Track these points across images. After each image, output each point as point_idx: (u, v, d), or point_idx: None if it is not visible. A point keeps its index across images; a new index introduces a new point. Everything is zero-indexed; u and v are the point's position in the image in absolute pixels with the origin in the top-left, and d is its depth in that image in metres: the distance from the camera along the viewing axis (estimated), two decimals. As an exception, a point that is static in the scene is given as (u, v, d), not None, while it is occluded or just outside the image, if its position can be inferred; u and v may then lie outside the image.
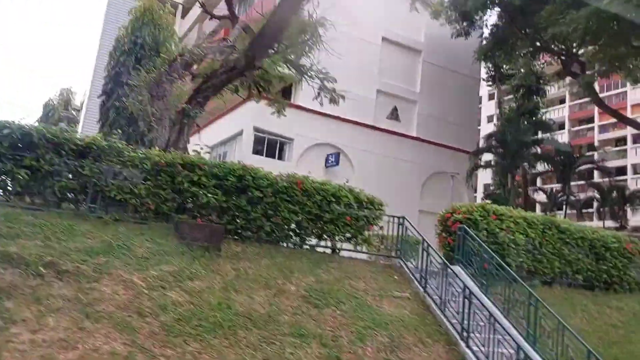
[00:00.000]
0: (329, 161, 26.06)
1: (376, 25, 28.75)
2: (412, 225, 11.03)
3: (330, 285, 9.13)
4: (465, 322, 8.91)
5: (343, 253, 11.25)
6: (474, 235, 11.23)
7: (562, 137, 69.57)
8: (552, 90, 63.09)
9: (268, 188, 9.92)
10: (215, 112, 29.51)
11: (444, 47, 30.39)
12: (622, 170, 61.83)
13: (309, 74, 13.84)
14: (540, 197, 41.89)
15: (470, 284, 10.99)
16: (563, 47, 27.62)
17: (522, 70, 37.45)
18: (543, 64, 36.02)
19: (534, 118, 39.66)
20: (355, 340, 7.97)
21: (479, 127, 38.34)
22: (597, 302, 12.65)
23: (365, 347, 7.93)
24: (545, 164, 29.17)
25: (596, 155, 36.58)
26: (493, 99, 46.99)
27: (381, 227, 11.23)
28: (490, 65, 43.50)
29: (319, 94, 14.56)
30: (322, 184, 10.57)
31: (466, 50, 29.48)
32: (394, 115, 29.34)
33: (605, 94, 65.12)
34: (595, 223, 36.34)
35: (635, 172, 60.27)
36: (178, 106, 11.71)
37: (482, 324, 9.57)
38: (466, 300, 8.95)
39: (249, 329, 7.34)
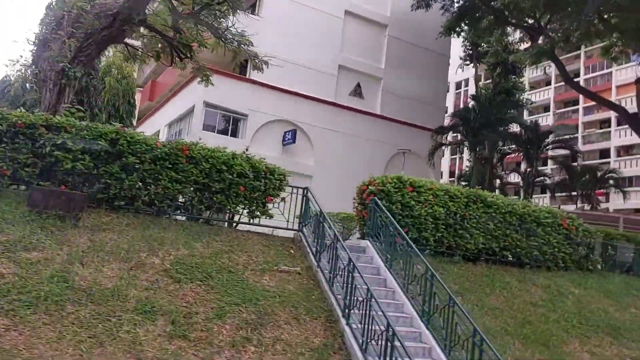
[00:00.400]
0: (286, 138, 25.24)
1: (339, -2, 27.73)
2: (314, 197, 10.24)
3: (204, 258, 8.39)
4: (349, 298, 8.15)
5: (247, 227, 10.52)
6: (383, 208, 10.48)
7: (547, 119, 68.95)
8: (539, 72, 62.46)
9: (146, 154, 9.11)
10: (175, 88, 28.69)
11: (411, 22, 29.43)
12: (606, 153, 61.34)
13: (225, 37, 12.86)
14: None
15: (377, 258, 10.34)
16: (532, 20, 26.72)
17: (497, 47, 36.65)
18: (518, 41, 34.94)
19: (511, 98, 39.01)
20: (213, 317, 7.25)
21: (447, 106, 37.51)
22: (523, 279, 11.97)
23: (223, 324, 7.21)
24: (510, 143, 28.35)
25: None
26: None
27: (283, 199, 10.45)
28: (467, 44, 42.72)
29: (234, 58, 13.59)
30: (212, 150, 9.76)
31: (434, 26, 28.55)
32: (357, 92, 28.45)
33: (591, 75, 64.39)
34: (572, 206, 35.68)
35: (618, 155, 59.60)
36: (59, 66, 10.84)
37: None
38: (350, 274, 8.19)
39: (83, 304, 6.60)
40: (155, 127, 30.27)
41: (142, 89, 39.18)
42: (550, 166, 48.78)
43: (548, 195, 45.25)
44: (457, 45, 40.67)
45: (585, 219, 20.21)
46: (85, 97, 18.70)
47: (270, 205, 10.40)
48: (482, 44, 41.16)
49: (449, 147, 29.04)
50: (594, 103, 56.81)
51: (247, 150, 10.44)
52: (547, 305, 10.99)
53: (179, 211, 9.67)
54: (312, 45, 26.52)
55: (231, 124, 24.95)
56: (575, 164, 35.99)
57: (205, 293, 7.67)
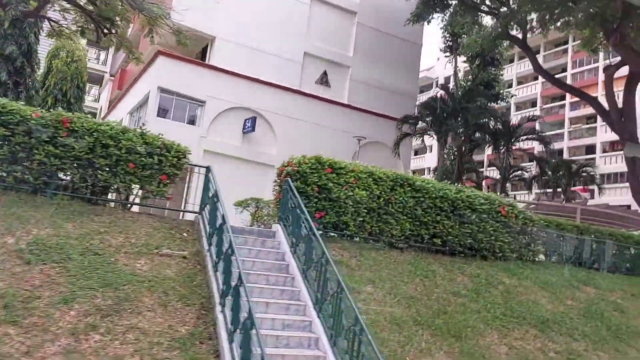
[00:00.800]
0: (246, 126, 24.42)
1: (305, -18, 26.90)
2: (214, 178, 9.48)
3: (69, 239, 7.65)
4: (225, 284, 7.41)
5: (147, 209, 9.79)
6: (294, 189, 9.74)
7: (534, 114, 68.21)
8: (526, 67, 61.72)
9: (19, 126, 8.34)
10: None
11: (381, 9, 28.69)
12: (592, 149, 60.83)
13: (142, 7, 12.08)
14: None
15: (284, 243, 9.63)
16: (504, 8, 25.95)
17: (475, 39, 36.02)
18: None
19: (490, 91, 38.27)
20: (58, 302, 6.52)
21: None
22: (451, 268, 11.26)
23: (69, 310, 6.48)
24: (479, 134, 27.57)
25: (538, 126, 34.93)
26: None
27: (181, 178, 9.70)
28: (447, 35, 41.97)
29: (150, 30, 12.83)
30: (98, 123, 9.00)
31: (406, 14, 27.77)
32: (324, 80, 27.63)
33: (578, 69, 63.72)
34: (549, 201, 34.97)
35: (604, 151, 58.99)
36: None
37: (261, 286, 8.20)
38: (229, 258, 7.45)
39: None
40: (119, 115, 29.57)
41: (113, 77, 38.50)
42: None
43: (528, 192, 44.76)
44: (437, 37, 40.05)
45: (543, 210, 19.64)
46: (21, 78, 17.97)
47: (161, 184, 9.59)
48: (463, 35, 40.74)
49: (439, 142, 28.24)
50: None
51: (143, 125, 9.66)
52: (470, 295, 10.28)
53: (60, 189, 8.86)
54: (277, 31, 25.73)
55: (188, 111, 24.13)
56: (554, 160, 35.24)
57: (57, 276, 6.93)
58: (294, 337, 7.47)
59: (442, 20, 29.88)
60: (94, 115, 42.40)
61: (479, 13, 27.54)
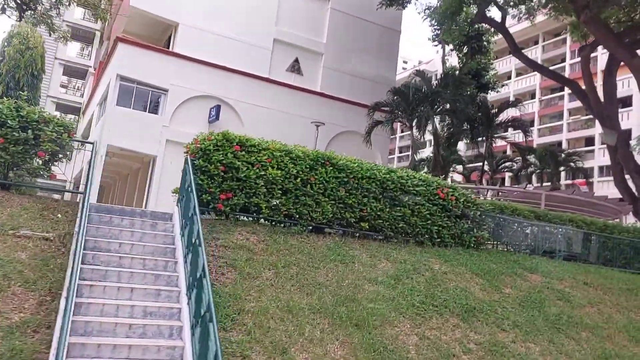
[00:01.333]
0: (211, 115, 23.66)
1: (274, -34, 26.03)
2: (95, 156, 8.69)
3: None
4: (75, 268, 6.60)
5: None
6: (189, 169, 8.92)
7: (533, 106, 67.20)
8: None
9: None
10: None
11: (356, -6, 27.73)
12: (591, 141, 59.61)
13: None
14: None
15: (177, 226, 8.81)
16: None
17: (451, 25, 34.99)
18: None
19: (479, 80, 37.26)
20: None
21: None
22: (375, 254, 10.37)
23: None
24: (456, 121, 26.47)
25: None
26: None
27: (63, 156, 8.90)
28: (434, 23, 40.97)
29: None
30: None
31: (382, -1, 26.84)
32: (295, 68, 26.77)
33: (577, 59, 62.18)
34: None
35: (602, 143, 57.53)
36: None
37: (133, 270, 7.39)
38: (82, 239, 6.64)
39: None
40: (92, 108, 29.01)
41: (94, 70, 37.98)
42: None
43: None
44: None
45: (508, 196, 18.67)
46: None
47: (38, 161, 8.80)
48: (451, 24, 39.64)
49: (410, 129, 27.21)
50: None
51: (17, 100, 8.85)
52: (387, 282, 9.40)
53: None
54: (244, 17, 24.93)
55: (150, 99, 23.37)
56: (541, 150, 34.12)
57: None
58: (151, 326, 6.66)
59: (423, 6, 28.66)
60: (77, 109, 42.02)
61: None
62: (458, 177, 44.12)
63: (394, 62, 30.24)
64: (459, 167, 35.93)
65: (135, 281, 7.38)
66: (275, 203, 9.93)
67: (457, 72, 39.44)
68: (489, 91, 38.39)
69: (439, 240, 11.61)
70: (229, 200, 9.65)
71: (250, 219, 10.20)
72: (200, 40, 24.06)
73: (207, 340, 5.73)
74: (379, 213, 10.92)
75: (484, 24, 33.14)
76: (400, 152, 79.91)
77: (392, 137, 68.83)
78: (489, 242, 12.84)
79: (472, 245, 12.01)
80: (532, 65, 27.52)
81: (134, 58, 22.82)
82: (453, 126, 29.91)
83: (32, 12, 12.77)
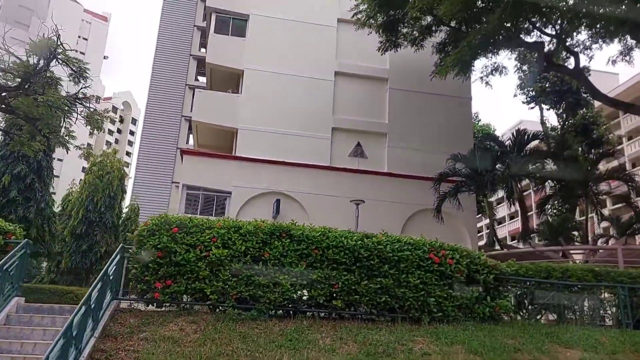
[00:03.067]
0: (273, 211, 23.71)
1: (327, 60, 26.77)
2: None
3: None
4: None
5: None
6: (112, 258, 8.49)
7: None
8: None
9: None
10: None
11: (415, 70, 27.02)
12: None
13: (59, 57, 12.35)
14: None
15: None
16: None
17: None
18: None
19: (591, 135, 33.84)
20: None
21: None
22: (342, 336, 8.72)
23: None
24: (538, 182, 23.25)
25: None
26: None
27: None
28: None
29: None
30: None
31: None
32: (358, 152, 26.26)
33: None
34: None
35: None
36: None
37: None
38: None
39: None
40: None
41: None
42: None
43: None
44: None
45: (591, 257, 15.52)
46: (32, 194, 19.49)
47: None
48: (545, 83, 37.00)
49: (482, 197, 24.77)
50: None
51: None
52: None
53: None
54: (300, 113, 25.52)
55: (216, 203, 24.16)
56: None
57: None
58: None
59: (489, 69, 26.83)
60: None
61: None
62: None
63: (468, 130, 28.33)
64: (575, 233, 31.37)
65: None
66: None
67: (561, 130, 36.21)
68: (602, 147, 34.01)
69: (440, 314, 9.55)
70: (167, 288, 8.92)
71: (200, 307, 9.28)
72: (259, 141, 24.87)
73: None
74: (353, 287, 9.36)
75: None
76: (500, 224, 72.02)
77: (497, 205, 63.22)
78: (519, 313, 10.31)
79: (488, 317, 9.69)
80: (618, 105, 23.86)
81: (198, 167, 24.13)
82: (559, 190, 26.50)
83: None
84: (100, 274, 7.97)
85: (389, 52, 24.84)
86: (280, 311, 9.46)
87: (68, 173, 63.24)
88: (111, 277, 8.59)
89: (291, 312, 9.43)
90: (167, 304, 9.23)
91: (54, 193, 52.67)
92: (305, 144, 25.27)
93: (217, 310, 9.33)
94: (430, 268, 9.75)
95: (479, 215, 36.49)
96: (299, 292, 9.38)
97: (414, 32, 22.78)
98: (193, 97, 31.61)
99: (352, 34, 25.42)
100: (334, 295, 9.38)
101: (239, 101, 25.57)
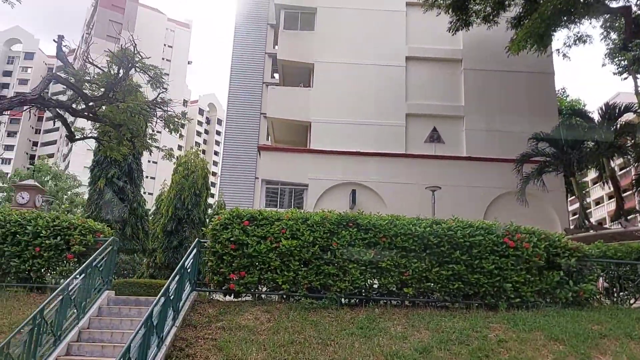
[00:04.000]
0: (350, 201, 23.82)
1: (398, 46, 26.38)
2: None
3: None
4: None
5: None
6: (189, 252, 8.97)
7: None
8: None
9: None
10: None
11: (490, 48, 25.95)
12: None
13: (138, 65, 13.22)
14: None
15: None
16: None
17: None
18: None
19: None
20: None
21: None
22: (415, 324, 8.65)
23: None
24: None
25: None
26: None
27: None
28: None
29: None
30: (7, 214, 9.83)
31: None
32: (435, 137, 25.65)
33: None
34: None
35: None
36: None
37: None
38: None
39: None
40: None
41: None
42: None
43: None
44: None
45: None
46: (124, 195, 20.93)
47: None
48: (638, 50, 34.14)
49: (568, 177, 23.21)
50: None
51: (43, 204, 10.16)
52: (410, 357, 7.65)
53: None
54: (372, 103, 25.38)
55: (293, 196, 24.65)
56: None
57: None
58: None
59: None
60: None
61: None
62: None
63: (551, 107, 26.73)
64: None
65: None
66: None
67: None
68: None
69: (518, 300, 9.18)
70: (242, 279, 9.27)
71: (273, 296, 9.57)
72: (332, 133, 24.99)
73: None
74: (424, 274, 9.23)
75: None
76: (597, 205, 66.53)
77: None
78: (608, 297, 9.65)
79: (571, 302, 9.18)
80: None
81: (275, 162, 24.72)
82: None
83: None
84: (178, 267, 8.43)
85: (461, 32, 23.98)
86: (351, 300, 9.50)
87: (162, 175, 67.06)
88: (189, 270, 9.05)
89: (362, 300, 9.45)
90: (243, 294, 9.58)
91: (151, 194, 56.37)
92: (380, 133, 25.05)
93: (290, 299, 9.55)
94: (506, 253, 9.38)
95: (573, 197, 34.39)
96: (369, 281, 9.39)
97: (487, 8, 21.85)
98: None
99: (421, 16, 24.85)
100: (405, 282, 9.30)
101: (310, 95, 25.81)
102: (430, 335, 8.29)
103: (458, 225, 9.54)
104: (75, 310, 8.06)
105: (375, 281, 9.44)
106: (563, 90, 41.69)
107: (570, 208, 37.49)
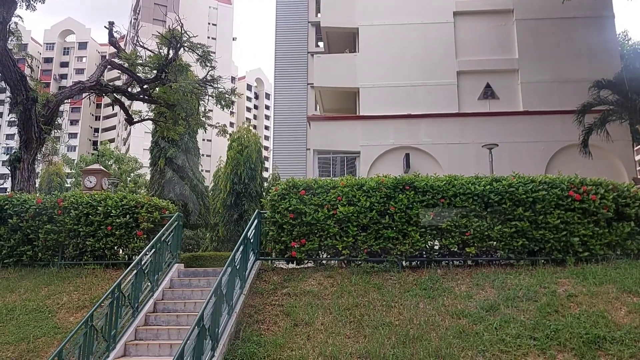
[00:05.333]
0: (403, 166, 23.61)
1: (444, 2, 25.51)
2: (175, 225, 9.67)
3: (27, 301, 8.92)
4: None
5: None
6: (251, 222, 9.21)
7: None
8: None
9: (29, 212, 10.31)
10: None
11: (541, -6, 24.73)
12: None
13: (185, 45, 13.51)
14: None
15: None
16: None
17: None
18: None
19: None
20: None
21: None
22: (479, 282, 8.60)
23: None
24: None
25: None
26: None
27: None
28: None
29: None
30: (79, 196, 10.36)
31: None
32: (488, 93, 24.84)
33: None
34: None
35: None
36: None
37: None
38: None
39: None
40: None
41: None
42: None
43: None
44: None
45: None
46: (183, 172, 21.56)
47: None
48: None
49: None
50: None
51: (109, 186, 10.64)
52: (477, 315, 7.65)
53: (69, 260, 10.35)
54: (421, 62, 24.79)
55: (346, 164, 24.67)
56: None
57: (-6, 332, 8.12)
58: None
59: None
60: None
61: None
62: None
63: (612, 52, 25.17)
64: None
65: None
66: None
67: None
68: None
69: (586, 254, 8.92)
70: (302, 247, 9.46)
71: (334, 262, 9.72)
72: (381, 97, 24.67)
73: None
74: (486, 233, 9.10)
75: None
76: None
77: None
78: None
79: (644, 253, 8.83)
80: None
81: (325, 132, 24.70)
82: None
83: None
84: (241, 238, 8.69)
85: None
86: (412, 262, 9.51)
87: (216, 152, 68.58)
88: (251, 240, 9.31)
89: (424, 262, 9.44)
90: (305, 261, 9.78)
91: (208, 171, 57.91)
92: (430, 94, 24.50)
93: (351, 264, 9.68)
94: (571, 206, 9.08)
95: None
96: (429, 242, 9.34)
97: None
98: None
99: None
100: (467, 242, 9.21)
101: (357, 60, 25.44)
102: (495, 293, 8.22)
103: (519, 182, 9.29)
104: (149, 283, 8.50)
105: (436, 242, 9.39)
106: (625, 34, 39.13)
107: (638, 157, 35.65)
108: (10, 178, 13.43)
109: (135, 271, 8.03)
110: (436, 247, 9.45)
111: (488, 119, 24.05)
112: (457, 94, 24.63)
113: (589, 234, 8.94)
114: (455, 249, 9.27)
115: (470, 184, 9.31)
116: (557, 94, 24.01)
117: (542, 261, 9.10)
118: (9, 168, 12.93)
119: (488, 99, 24.71)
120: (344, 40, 26.98)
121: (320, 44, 41.47)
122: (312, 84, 29.59)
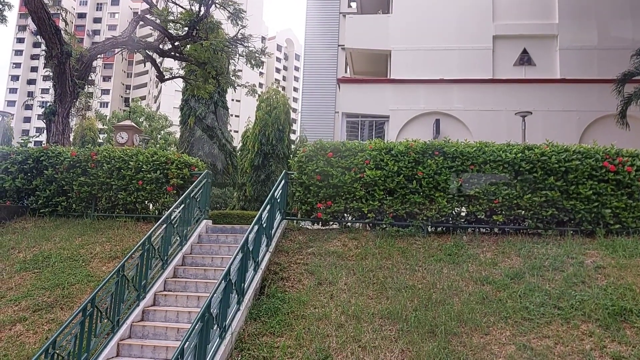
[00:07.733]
0: (434, 132, 23.30)
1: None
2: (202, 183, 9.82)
3: (62, 250, 9.25)
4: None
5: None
6: (277, 185, 9.29)
7: None
8: None
9: (63, 164, 10.60)
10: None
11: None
12: None
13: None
14: None
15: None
16: None
17: None
18: None
19: None
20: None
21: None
22: (505, 250, 8.56)
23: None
24: None
25: None
26: None
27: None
28: None
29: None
30: (112, 151, 10.58)
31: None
32: (525, 59, 24.12)
33: None
34: None
35: None
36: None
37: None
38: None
39: None
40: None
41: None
42: None
43: None
44: None
45: None
46: (212, 132, 21.73)
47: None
48: None
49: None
50: None
51: (140, 142, 10.82)
52: (501, 282, 7.65)
53: (103, 212, 10.66)
54: (456, 26, 24.11)
55: (374, 128, 24.47)
56: None
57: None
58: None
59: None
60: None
61: None
62: None
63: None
64: None
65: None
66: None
67: None
68: None
69: (617, 226, 8.76)
70: (328, 208, 9.52)
71: (359, 225, 9.77)
72: (413, 60, 24.21)
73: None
74: (515, 202, 8.99)
75: None
76: None
77: None
78: None
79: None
80: None
81: (354, 94, 24.45)
82: None
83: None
84: (268, 197, 8.78)
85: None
86: (438, 227, 9.50)
87: (245, 112, 68.74)
88: (278, 200, 9.41)
89: (449, 228, 9.42)
90: (330, 223, 9.86)
91: (236, 131, 58.23)
92: (464, 58, 23.90)
93: (376, 227, 9.71)
94: (605, 177, 8.88)
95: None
96: (456, 209, 9.28)
97: None
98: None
99: None
100: (495, 210, 9.13)
101: (389, 21, 24.88)
102: (521, 262, 8.18)
103: (552, 150, 9.09)
104: (178, 238, 8.72)
105: (463, 209, 9.33)
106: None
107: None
108: (45, 131, 13.75)
109: (165, 225, 8.23)
110: (463, 214, 9.40)
111: (523, 86, 23.42)
112: (492, 60, 23.99)
113: (621, 206, 8.76)
114: (482, 217, 9.20)
115: (501, 152, 9.16)
116: (596, 62, 23.20)
117: (571, 232, 8.98)
118: (44, 121, 13.28)
119: (524, 65, 24.02)
120: (377, 0, 26.35)
121: (353, 4, 40.60)
122: (343, 45, 29.15)
